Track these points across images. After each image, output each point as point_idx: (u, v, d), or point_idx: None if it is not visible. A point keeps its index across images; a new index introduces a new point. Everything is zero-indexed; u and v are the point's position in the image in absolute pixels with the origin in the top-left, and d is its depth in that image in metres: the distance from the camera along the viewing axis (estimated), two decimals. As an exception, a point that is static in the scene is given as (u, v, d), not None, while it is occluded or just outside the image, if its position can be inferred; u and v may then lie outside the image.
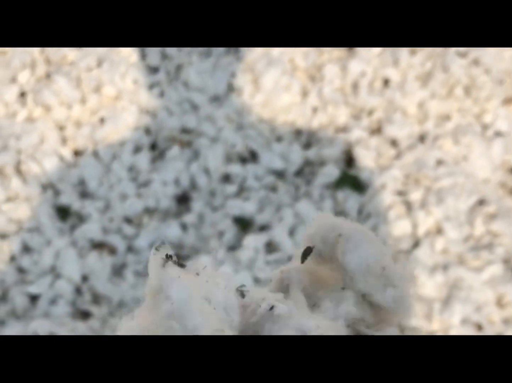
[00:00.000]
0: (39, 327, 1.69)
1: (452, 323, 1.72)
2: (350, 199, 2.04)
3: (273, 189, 2.21)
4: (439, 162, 2.14)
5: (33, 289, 1.90)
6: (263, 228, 1.97)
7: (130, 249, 2.12)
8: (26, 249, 1.98)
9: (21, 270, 1.95)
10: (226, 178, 2.20)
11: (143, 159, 2.23)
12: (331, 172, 2.12)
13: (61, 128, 2.27)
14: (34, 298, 1.90)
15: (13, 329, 1.72)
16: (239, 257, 1.85)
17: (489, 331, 1.74)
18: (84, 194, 2.17)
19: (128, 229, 2.13)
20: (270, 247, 1.87)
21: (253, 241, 1.87)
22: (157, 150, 2.30)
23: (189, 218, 2.15)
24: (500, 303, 1.85)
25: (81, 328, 1.75)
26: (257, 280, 1.78)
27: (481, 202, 2.06)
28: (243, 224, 2.01)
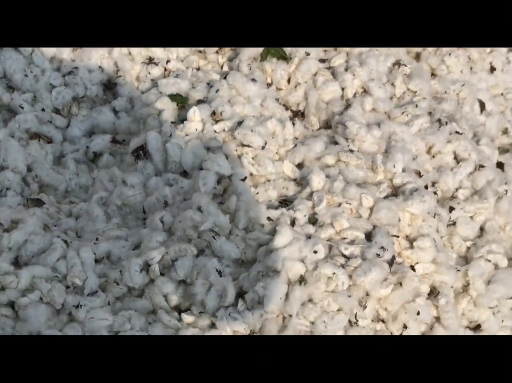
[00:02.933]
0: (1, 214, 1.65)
1: (395, 172, 1.82)
2: (278, 69, 2.09)
3: (198, 68, 2.22)
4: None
5: (-23, 184, 1.84)
6: (201, 101, 1.99)
7: (65, 138, 2.09)
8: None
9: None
10: (150, 61, 2.19)
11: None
12: (256, 46, 2.14)
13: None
14: (-20, 193, 1.85)
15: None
16: (187, 130, 1.86)
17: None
18: (10, 87, 2.11)
19: (59, 120, 2.10)
20: (215, 117, 1.89)
21: (197, 113, 1.88)
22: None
23: (119, 102, 2.14)
24: (430, 152, 1.97)
25: (39, 214, 1.73)
26: (209, 149, 1.82)
27: (398, 64, 2.15)
28: (181, 101, 2.01)
